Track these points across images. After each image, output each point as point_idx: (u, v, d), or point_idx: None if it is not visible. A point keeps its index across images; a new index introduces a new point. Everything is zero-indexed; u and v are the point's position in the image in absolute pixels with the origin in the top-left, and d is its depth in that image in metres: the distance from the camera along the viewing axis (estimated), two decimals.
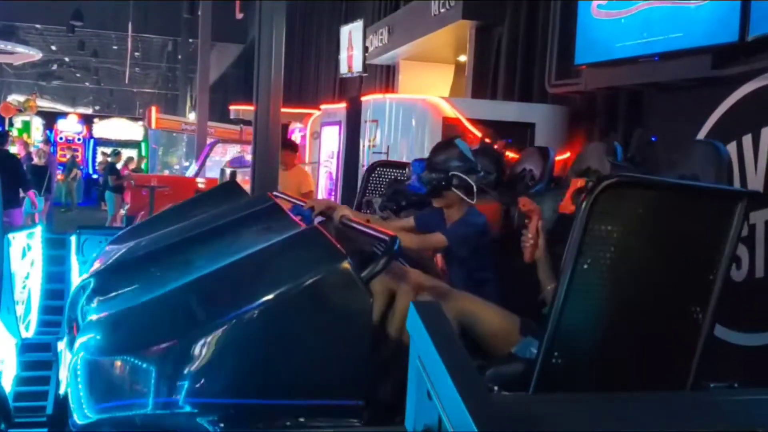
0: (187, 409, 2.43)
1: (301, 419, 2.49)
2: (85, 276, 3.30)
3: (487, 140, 3.79)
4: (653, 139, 4.50)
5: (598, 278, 2.43)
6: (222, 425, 2.42)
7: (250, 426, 2.45)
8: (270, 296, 2.52)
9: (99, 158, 23.00)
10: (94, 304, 2.95)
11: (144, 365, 2.48)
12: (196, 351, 2.45)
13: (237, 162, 16.17)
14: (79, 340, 2.68)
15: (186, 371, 2.44)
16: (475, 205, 3.47)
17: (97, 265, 3.54)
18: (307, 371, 2.53)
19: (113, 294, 2.96)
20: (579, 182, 3.00)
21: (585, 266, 2.38)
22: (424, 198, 3.75)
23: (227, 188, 4.23)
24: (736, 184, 4.13)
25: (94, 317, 2.81)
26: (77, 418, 2.54)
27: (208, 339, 2.45)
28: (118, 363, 2.54)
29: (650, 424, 1.61)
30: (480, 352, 2.95)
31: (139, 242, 3.56)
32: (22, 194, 9.84)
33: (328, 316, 2.57)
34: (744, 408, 1.93)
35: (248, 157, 16.48)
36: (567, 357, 2.41)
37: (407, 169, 4.45)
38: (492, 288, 3.39)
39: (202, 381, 2.44)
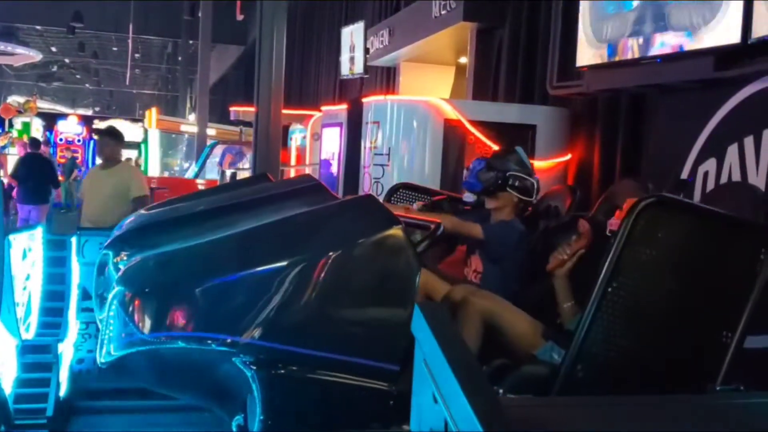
0: (224, 348, 2.45)
1: (335, 373, 2.50)
2: (112, 238, 3.18)
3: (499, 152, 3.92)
4: (690, 180, 4.54)
5: (629, 298, 2.43)
6: (255, 368, 2.44)
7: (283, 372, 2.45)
8: (321, 249, 2.55)
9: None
10: (127, 257, 2.85)
11: (185, 301, 2.48)
12: (240, 294, 2.47)
13: (231, 150, 16.19)
14: (115, 288, 2.60)
15: (227, 311, 2.46)
16: (512, 211, 3.62)
17: (131, 223, 3.41)
18: (349, 327, 2.57)
19: (151, 245, 2.84)
20: (635, 197, 3.02)
21: (617, 284, 2.39)
22: (478, 195, 3.87)
23: (260, 177, 4.19)
24: None
25: (131, 263, 2.72)
26: (104, 357, 2.54)
27: (254, 284, 2.47)
28: (156, 299, 2.52)
29: (658, 427, 1.60)
30: (502, 352, 2.98)
31: (174, 208, 3.45)
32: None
33: (376, 277, 2.61)
34: (750, 411, 1.92)
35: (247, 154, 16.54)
36: (590, 371, 2.42)
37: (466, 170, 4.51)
38: (521, 292, 3.43)
39: (243, 322, 2.45)
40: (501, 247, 3.51)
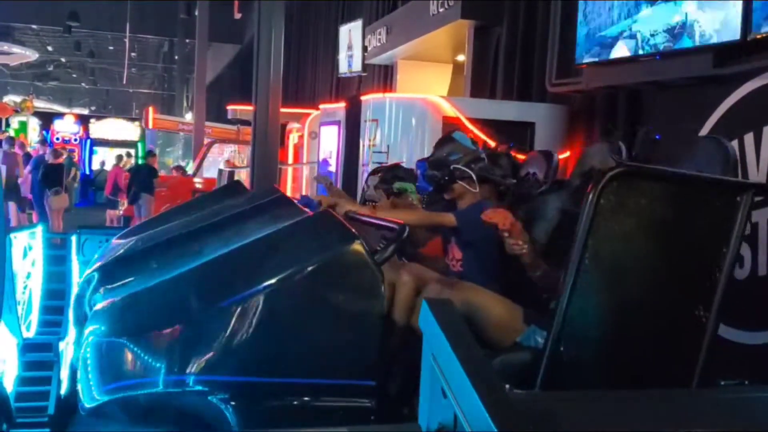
0: (198, 387, 2.43)
1: (312, 398, 2.49)
2: (89, 270, 3.26)
3: (489, 146, 3.77)
4: (657, 137, 4.49)
5: (604, 270, 2.44)
6: (233, 403, 2.42)
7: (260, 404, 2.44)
8: (282, 276, 2.53)
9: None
10: (101, 293, 2.92)
11: (154, 345, 2.48)
12: (208, 330, 2.46)
13: None
14: (89, 328, 2.65)
15: (198, 350, 2.45)
16: (478, 193, 3.47)
17: (106, 253, 3.52)
18: (318, 350, 2.54)
19: (120, 282, 2.94)
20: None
21: (591, 258, 2.39)
22: (434, 195, 3.77)
23: (231, 188, 4.21)
24: None
25: (101, 305, 2.79)
26: (86, 401, 2.53)
27: (220, 318, 2.44)
28: (129, 343, 2.53)
29: (667, 422, 1.60)
30: (484, 342, 2.94)
31: (143, 237, 3.53)
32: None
33: (340, 296, 2.58)
34: (755, 405, 1.93)
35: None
36: (574, 348, 2.43)
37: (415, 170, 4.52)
38: (504, 276, 3.38)
39: (214, 360, 2.44)
40: (475, 230, 3.40)
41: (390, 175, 4.84)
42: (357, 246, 2.58)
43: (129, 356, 2.51)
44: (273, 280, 2.51)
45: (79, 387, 2.61)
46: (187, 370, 2.43)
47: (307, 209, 3.28)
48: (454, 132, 3.70)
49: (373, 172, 5.40)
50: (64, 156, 13.75)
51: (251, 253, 2.75)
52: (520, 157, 3.98)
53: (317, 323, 2.55)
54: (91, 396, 2.54)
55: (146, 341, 2.50)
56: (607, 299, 2.48)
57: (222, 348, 2.44)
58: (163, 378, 2.43)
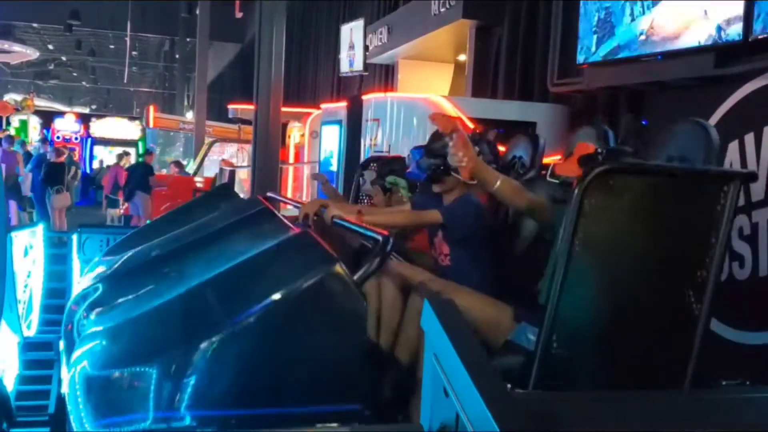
0: (187, 421, 2.40)
1: (302, 427, 2.47)
2: (80, 287, 3.28)
3: (478, 131, 3.72)
4: (644, 123, 4.47)
5: (592, 266, 2.44)
6: None
7: None
8: (262, 305, 2.48)
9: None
10: (91, 317, 2.93)
11: (141, 379, 2.45)
12: (192, 363, 2.42)
13: None
14: (77, 353, 2.65)
15: (183, 384, 2.41)
16: (473, 188, 3.46)
17: (94, 273, 3.54)
18: (304, 378, 2.49)
19: (108, 307, 2.94)
20: (589, 147, 2.97)
21: (579, 254, 2.39)
22: (424, 183, 3.75)
23: (219, 194, 4.21)
24: None
25: (90, 331, 2.79)
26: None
27: (203, 351, 2.41)
28: (116, 378, 2.50)
29: (668, 423, 1.60)
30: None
31: (134, 253, 3.54)
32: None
33: (321, 322, 2.52)
34: (755, 405, 1.93)
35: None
36: (565, 345, 2.43)
37: (407, 158, 4.44)
38: (493, 270, 3.37)
39: (200, 393, 2.40)
40: (462, 225, 3.39)
41: (386, 169, 4.74)
42: (337, 268, 2.50)
43: (117, 390, 2.49)
44: (253, 310, 2.46)
45: (71, 418, 2.59)
46: (174, 405, 2.39)
47: (289, 223, 3.26)
48: None
49: (366, 165, 5.26)
50: (66, 155, 13.74)
51: (230, 281, 2.72)
52: (501, 149, 3.93)
53: (300, 351, 2.50)
54: (83, 430, 2.53)
55: (133, 374, 2.47)
56: (596, 295, 2.49)
57: (206, 380, 2.40)
58: (151, 413, 2.42)
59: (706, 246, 2.55)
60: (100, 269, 3.56)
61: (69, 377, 2.61)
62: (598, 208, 2.39)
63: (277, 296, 2.49)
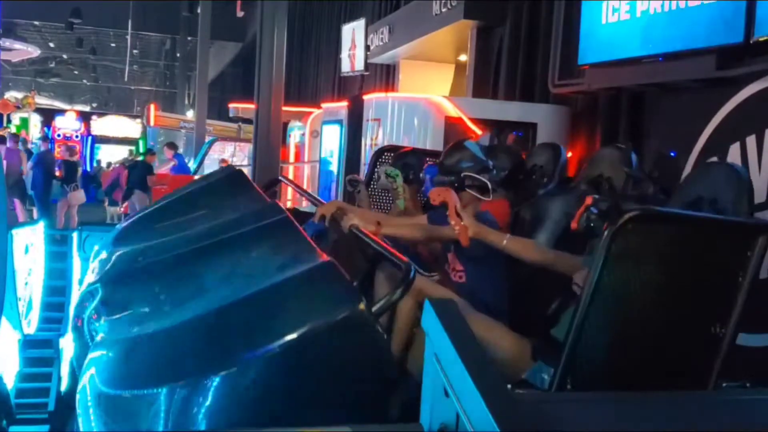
0: None
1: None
2: (91, 279, 3.18)
3: (495, 137, 3.71)
4: (672, 154, 4.50)
5: (615, 310, 2.39)
6: None
7: None
8: (280, 342, 2.37)
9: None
10: (104, 320, 2.86)
11: (154, 402, 2.39)
12: (206, 392, 2.31)
13: None
14: (90, 356, 2.59)
15: (194, 413, 2.31)
16: (488, 202, 3.47)
17: (102, 256, 3.42)
18: (317, 416, 2.39)
19: (124, 312, 2.83)
20: (588, 200, 2.97)
21: (602, 299, 2.33)
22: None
23: (233, 181, 4.04)
24: None
25: (105, 338, 2.72)
26: None
27: (217, 381, 2.31)
28: (129, 398, 2.45)
29: (669, 423, 1.60)
30: None
31: (148, 246, 3.43)
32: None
33: (341, 362, 2.42)
34: (756, 407, 1.93)
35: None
36: (580, 389, 2.38)
37: (421, 176, 4.40)
38: (507, 289, 3.36)
39: (212, 423, 2.30)
40: (476, 244, 3.41)
41: (400, 163, 4.65)
42: (359, 307, 2.39)
43: (130, 410, 2.45)
44: (271, 347, 2.35)
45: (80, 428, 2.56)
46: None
47: (312, 243, 3.16)
48: (465, 140, 3.71)
49: (380, 154, 5.20)
50: (78, 153, 13.98)
51: (250, 310, 2.60)
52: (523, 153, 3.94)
53: (320, 389, 2.40)
54: None
55: (146, 396, 2.44)
56: (615, 340, 2.43)
57: (217, 413, 2.30)
58: None
59: (730, 294, 2.53)
60: (118, 253, 3.38)
61: (80, 386, 2.56)
62: (626, 252, 2.34)
63: (296, 334, 2.37)
